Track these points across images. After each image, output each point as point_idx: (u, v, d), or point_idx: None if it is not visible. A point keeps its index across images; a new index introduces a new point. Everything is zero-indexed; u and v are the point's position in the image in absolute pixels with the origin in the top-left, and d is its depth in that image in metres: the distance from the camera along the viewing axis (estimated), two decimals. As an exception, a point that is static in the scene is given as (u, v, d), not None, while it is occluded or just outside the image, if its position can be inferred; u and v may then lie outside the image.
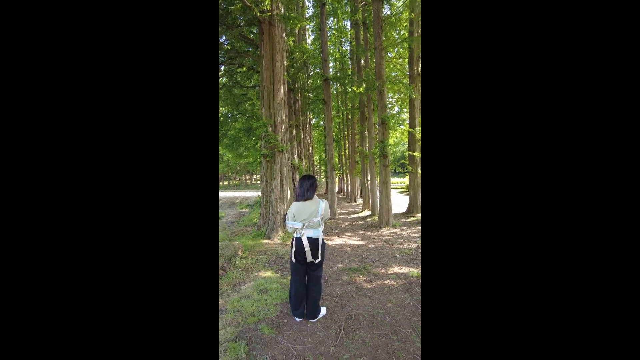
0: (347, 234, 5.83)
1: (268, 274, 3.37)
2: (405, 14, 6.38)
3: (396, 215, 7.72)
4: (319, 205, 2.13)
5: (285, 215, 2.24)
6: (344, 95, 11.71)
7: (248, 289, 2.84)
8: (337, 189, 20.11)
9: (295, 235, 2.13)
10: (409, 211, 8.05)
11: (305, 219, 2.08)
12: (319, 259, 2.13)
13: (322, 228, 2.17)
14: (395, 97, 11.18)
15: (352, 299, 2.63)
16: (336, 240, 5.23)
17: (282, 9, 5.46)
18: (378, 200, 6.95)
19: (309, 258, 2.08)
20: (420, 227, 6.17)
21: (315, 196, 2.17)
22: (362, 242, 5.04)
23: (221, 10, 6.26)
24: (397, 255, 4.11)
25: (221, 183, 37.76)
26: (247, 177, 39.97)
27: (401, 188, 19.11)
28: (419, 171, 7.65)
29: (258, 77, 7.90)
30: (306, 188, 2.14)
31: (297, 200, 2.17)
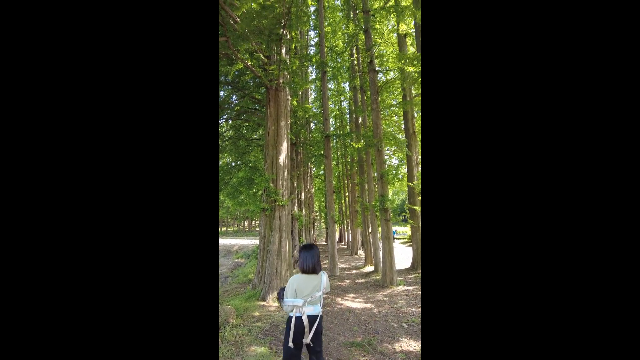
0: (349, 295, 5.41)
1: (260, 350, 2.99)
2: (399, 82, 7.10)
3: (400, 272, 7.29)
4: (322, 279, 1.95)
5: (281, 292, 1.97)
6: (343, 149, 12.26)
7: (236, 373, 2.48)
8: (337, 238, 19.51)
9: (293, 314, 1.87)
10: (413, 267, 7.62)
11: (308, 294, 1.88)
12: (319, 347, 1.88)
13: (322, 303, 1.98)
14: (393, 149, 11.71)
15: (356, 389, 2.27)
16: (337, 304, 4.81)
17: (288, 76, 6.09)
18: (381, 255, 6.64)
19: (307, 340, 1.84)
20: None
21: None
22: (365, 306, 4.63)
23: (234, 77, 7.00)
24: (405, 325, 3.72)
25: (219, 229, 36.90)
26: (246, 224, 39.27)
27: (403, 238, 18.53)
28: (421, 224, 7.50)
29: (263, 131, 8.39)
30: (315, 260, 1.96)
31: (302, 272, 1.96)
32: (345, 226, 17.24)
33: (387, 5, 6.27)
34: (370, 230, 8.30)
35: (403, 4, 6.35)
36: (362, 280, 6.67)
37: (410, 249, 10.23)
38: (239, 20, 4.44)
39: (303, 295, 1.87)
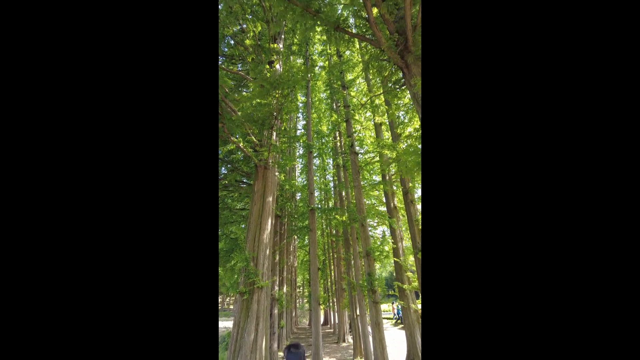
0: (335, 404, 4.49)
1: None
2: (378, 164, 7.85)
3: (394, 367, 6.35)
4: None
5: None
6: (328, 221, 12.34)
7: None
8: (322, 320, 17.38)
9: None
10: (410, 358, 6.69)
11: None
12: None
13: None
14: (377, 220, 11.90)
15: None
16: (321, 419, 3.92)
17: (277, 156, 6.58)
18: (371, 344, 5.87)
19: None
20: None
21: None
22: (355, 422, 3.79)
23: (224, 154, 7.46)
24: None
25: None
26: (220, 300, 34.88)
27: (395, 318, 16.82)
28: (412, 305, 6.99)
29: (248, 200, 8.42)
30: None
31: None
32: (330, 303, 15.64)
33: (365, 102, 7.52)
34: (358, 312, 7.57)
35: (377, 102, 7.64)
36: (351, 381, 5.67)
37: (403, 332, 9.18)
38: (237, 112, 5.07)
39: None
